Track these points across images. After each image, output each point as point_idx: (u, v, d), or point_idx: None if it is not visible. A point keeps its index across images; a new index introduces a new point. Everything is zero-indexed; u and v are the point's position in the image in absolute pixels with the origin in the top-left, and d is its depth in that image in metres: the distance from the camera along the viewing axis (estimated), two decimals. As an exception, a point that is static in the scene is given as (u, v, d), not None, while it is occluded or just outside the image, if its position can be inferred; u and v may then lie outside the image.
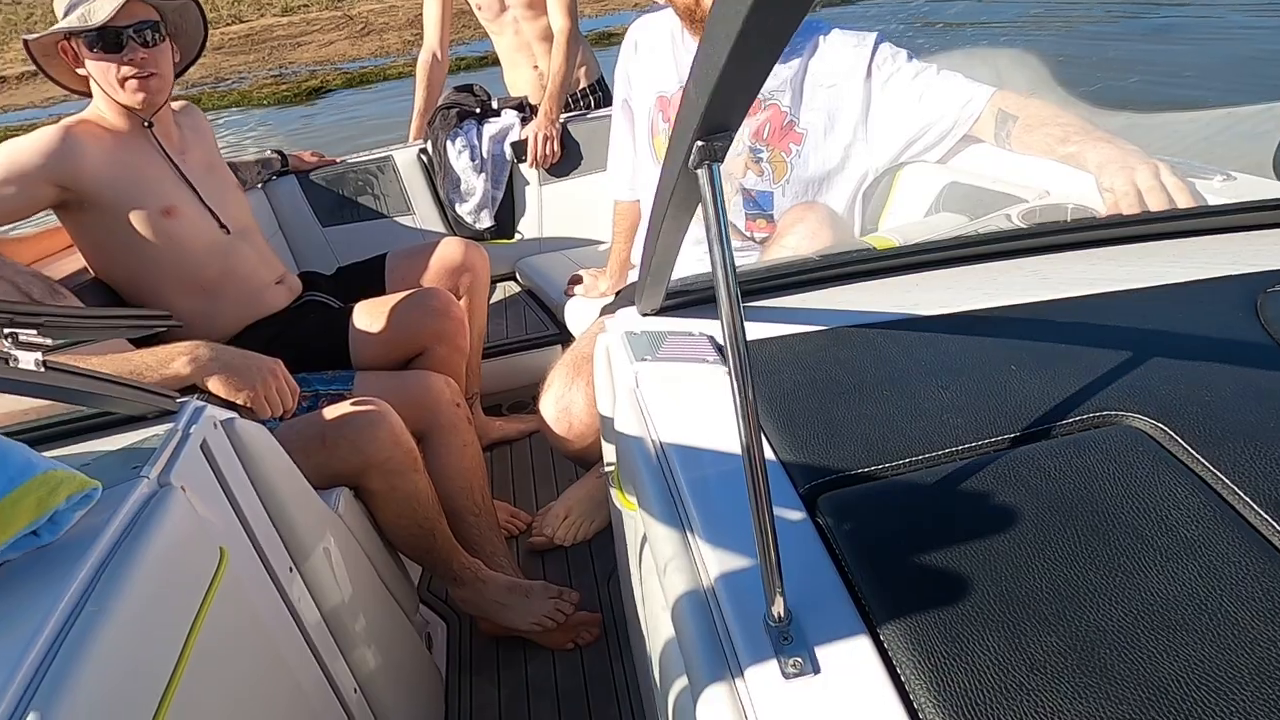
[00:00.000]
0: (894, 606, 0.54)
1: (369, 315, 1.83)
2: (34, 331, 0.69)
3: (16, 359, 0.68)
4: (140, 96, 1.64)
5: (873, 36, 1.55)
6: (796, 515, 0.63)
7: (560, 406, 1.49)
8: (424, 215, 2.65)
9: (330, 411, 1.39)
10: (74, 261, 1.81)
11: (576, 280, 2.27)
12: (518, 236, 2.70)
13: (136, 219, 1.68)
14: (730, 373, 0.52)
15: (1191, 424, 0.66)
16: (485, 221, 2.64)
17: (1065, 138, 1.27)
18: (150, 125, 1.72)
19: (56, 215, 1.70)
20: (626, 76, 1.74)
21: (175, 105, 1.84)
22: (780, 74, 1.61)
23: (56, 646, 0.65)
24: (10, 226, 1.67)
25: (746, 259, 1.69)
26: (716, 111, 0.42)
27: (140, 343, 1.41)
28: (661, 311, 0.97)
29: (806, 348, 0.84)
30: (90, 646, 0.65)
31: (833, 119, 1.60)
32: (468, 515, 1.69)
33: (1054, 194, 1.34)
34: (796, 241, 1.37)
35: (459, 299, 2.07)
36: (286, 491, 1.07)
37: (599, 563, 1.86)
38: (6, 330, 0.67)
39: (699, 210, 0.56)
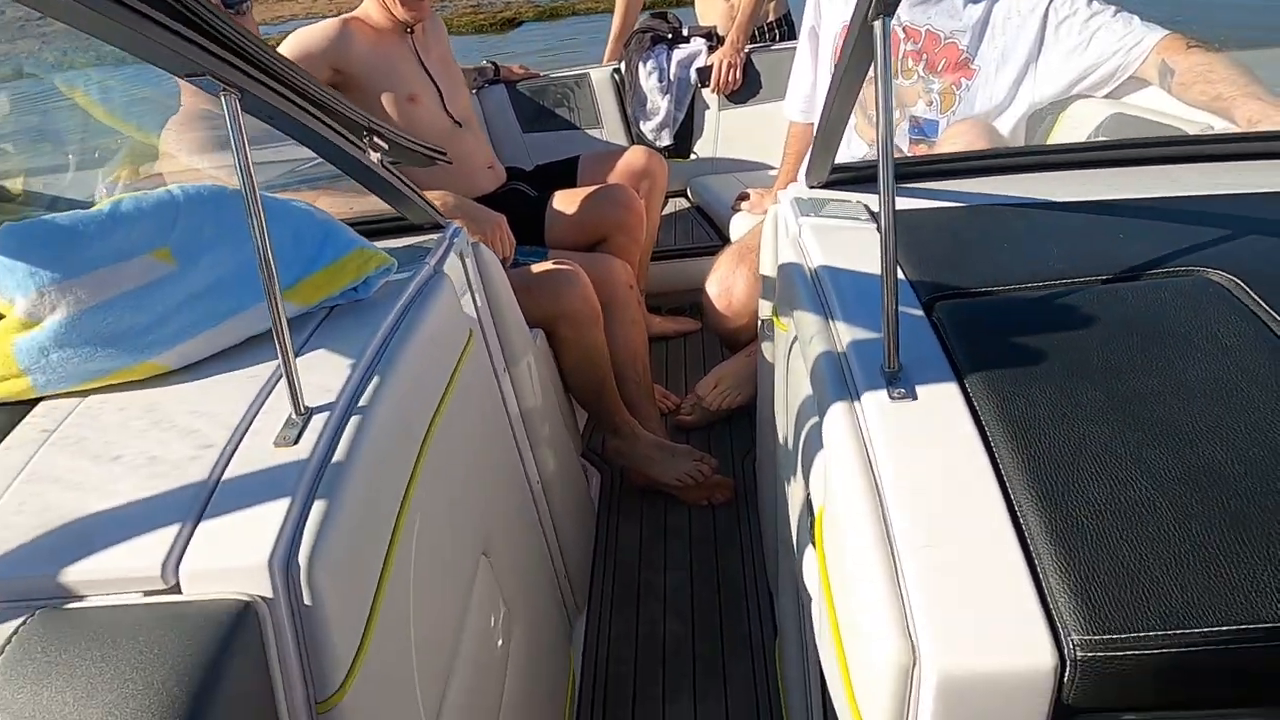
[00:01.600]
0: (978, 364, 0.74)
1: (564, 202, 2.12)
2: (379, 138, 0.98)
3: (369, 154, 0.97)
4: (413, 14, 1.98)
5: None
6: (917, 313, 0.83)
7: (723, 286, 1.71)
8: (610, 129, 2.91)
9: (536, 267, 1.69)
10: (333, 136, 2.20)
11: (744, 197, 2.46)
12: (693, 156, 2.91)
13: (386, 101, 2.02)
14: (879, 181, 0.72)
15: (1263, 281, 0.80)
16: (665, 140, 2.87)
17: (1218, 94, 1.34)
18: (410, 31, 2.05)
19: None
20: (817, 4, 1.90)
21: None
22: (964, 18, 1.73)
23: (375, 362, 0.93)
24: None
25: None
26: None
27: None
28: (826, 185, 1.17)
29: (946, 217, 1.02)
30: (396, 365, 0.93)
31: (1005, 58, 1.71)
32: (629, 381, 1.96)
33: (1218, 128, 1.41)
34: (953, 149, 1.51)
35: (638, 200, 2.32)
36: (507, 308, 1.36)
37: (736, 442, 2.10)
38: (366, 130, 0.96)
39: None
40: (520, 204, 2.20)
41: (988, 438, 0.68)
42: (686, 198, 2.92)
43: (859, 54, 0.77)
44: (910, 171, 1.16)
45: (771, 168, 2.80)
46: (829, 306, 0.88)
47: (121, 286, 0.85)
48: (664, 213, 2.78)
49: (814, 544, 0.84)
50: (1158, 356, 0.72)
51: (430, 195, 1.60)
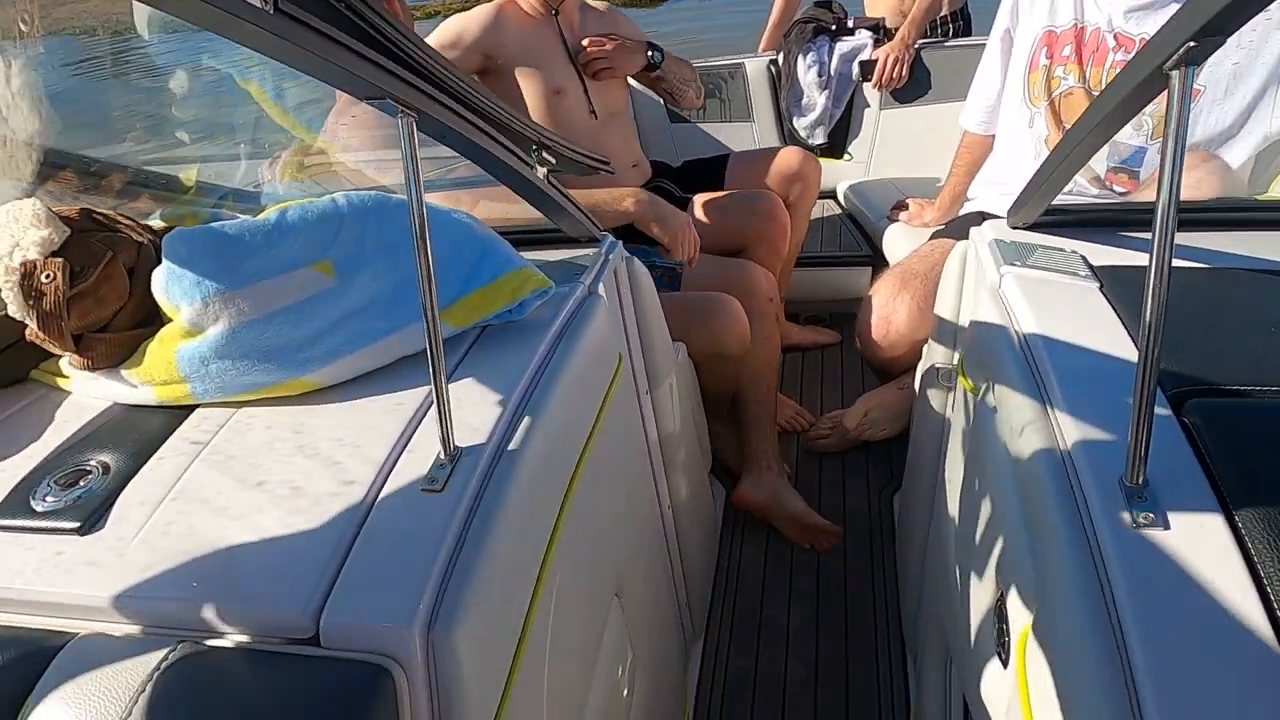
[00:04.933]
0: (1252, 492, 0.60)
1: (706, 206, 2.02)
2: (546, 151, 0.91)
3: (535, 169, 0.91)
4: None
5: None
6: (1162, 412, 0.70)
7: (882, 314, 1.58)
8: (762, 124, 2.78)
9: (696, 296, 1.61)
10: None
11: (901, 206, 2.30)
12: (847, 157, 2.75)
13: (532, 93, 1.97)
14: (1151, 262, 0.59)
15: None
16: (819, 138, 2.72)
17: None
18: (556, 14, 1.99)
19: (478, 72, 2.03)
20: (1015, 6, 1.71)
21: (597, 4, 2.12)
22: None
23: (528, 396, 0.87)
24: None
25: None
26: (1228, 11, 0.48)
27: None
28: (1032, 227, 1.03)
29: (1192, 280, 0.87)
30: (549, 399, 0.87)
31: (1238, 77, 1.48)
32: (751, 401, 1.85)
33: None
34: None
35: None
36: (655, 329, 1.28)
37: (873, 474, 1.96)
38: (535, 146, 0.90)
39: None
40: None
41: (1267, 594, 0.55)
42: (836, 201, 2.76)
43: (1133, 99, 0.64)
44: (1134, 218, 1.01)
45: (934, 177, 2.61)
46: (1046, 389, 0.76)
47: (282, 300, 0.82)
48: (811, 216, 2.64)
49: (1005, 663, 0.73)
50: None
51: (625, 191, 1.58)
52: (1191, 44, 0.53)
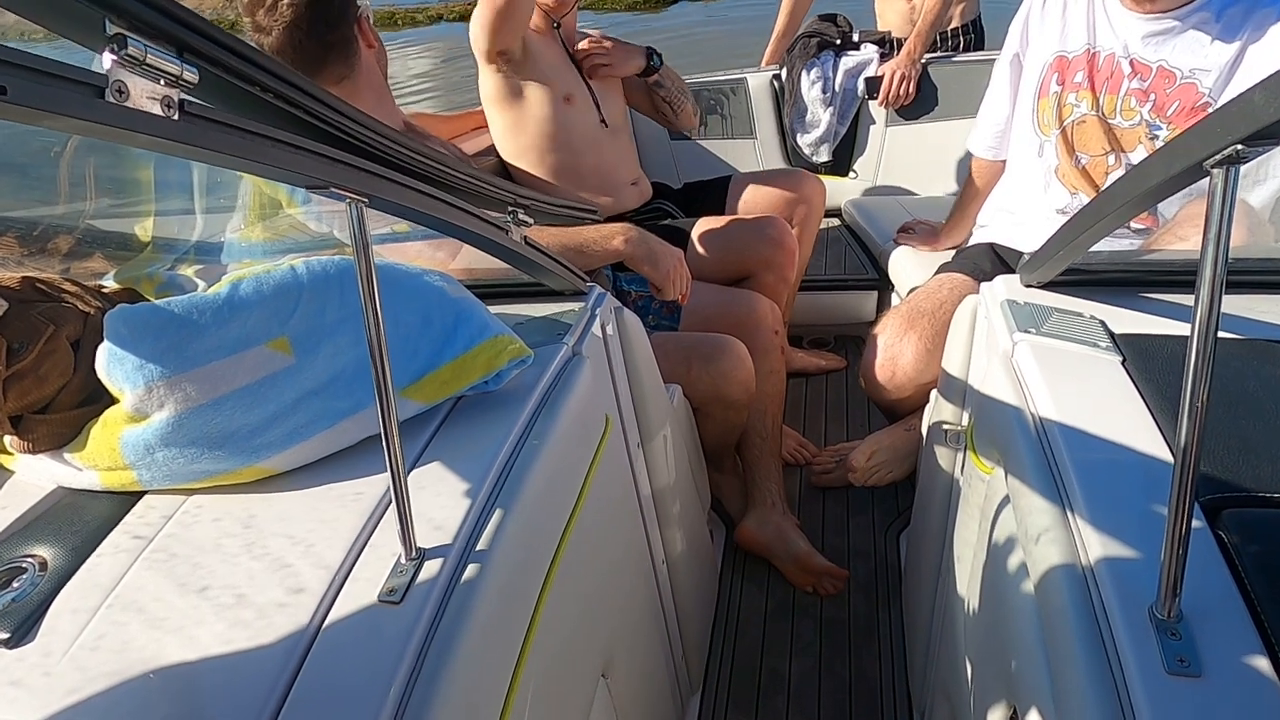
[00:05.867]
0: None
1: (709, 231, 1.96)
2: (524, 212, 0.85)
3: (510, 231, 0.85)
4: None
5: None
6: (1195, 523, 0.63)
7: (887, 355, 1.51)
8: (765, 141, 2.71)
9: (699, 337, 1.54)
10: (480, 142, 2.12)
11: (908, 229, 2.23)
12: (852, 175, 2.68)
13: (545, 97, 1.91)
14: (1188, 366, 0.53)
15: None
16: (823, 155, 2.65)
17: None
18: (558, 26, 1.94)
19: (493, 77, 1.93)
20: (1024, 30, 1.64)
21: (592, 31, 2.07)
22: (1210, 55, 1.44)
23: (503, 479, 0.80)
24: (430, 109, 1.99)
25: (1115, 245, 1.56)
26: (1281, 125, 0.42)
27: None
28: (1048, 286, 0.96)
29: (1222, 354, 0.80)
30: (526, 479, 0.80)
31: None
32: (754, 436, 1.78)
33: None
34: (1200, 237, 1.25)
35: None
36: (647, 380, 1.22)
37: (879, 512, 1.89)
38: (510, 208, 0.84)
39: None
40: (664, 229, 2.05)
41: None
42: (840, 218, 2.68)
43: (1167, 185, 0.58)
44: (1157, 278, 0.94)
45: (941, 195, 2.54)
46: (1065, 489, 0.69)
47: (234, 383, 0.76)
48: (814, 235, 2.57)
49: None
50: None
51: (614, 228, 1.52)
52: (1239, 146, 0.46)
